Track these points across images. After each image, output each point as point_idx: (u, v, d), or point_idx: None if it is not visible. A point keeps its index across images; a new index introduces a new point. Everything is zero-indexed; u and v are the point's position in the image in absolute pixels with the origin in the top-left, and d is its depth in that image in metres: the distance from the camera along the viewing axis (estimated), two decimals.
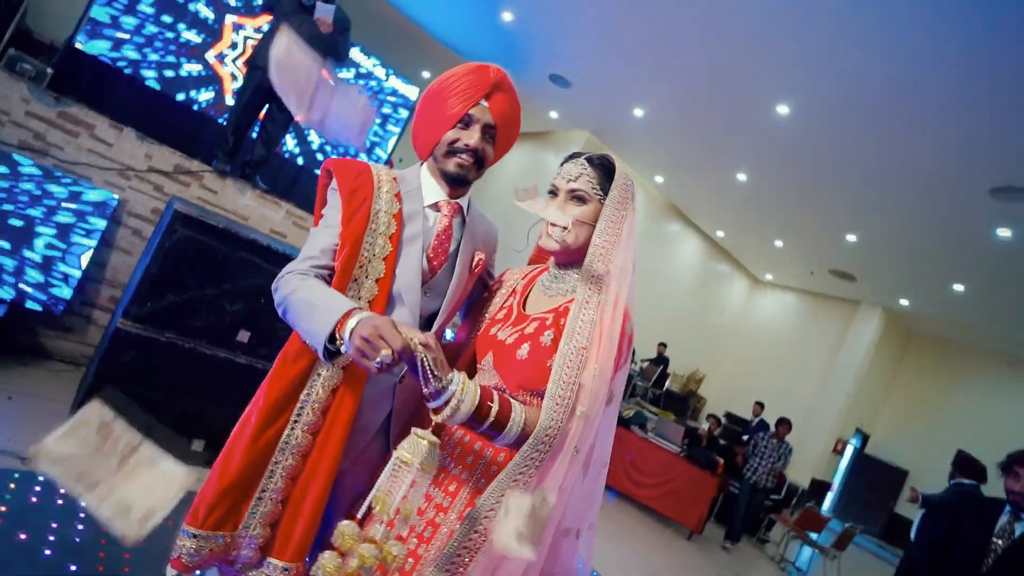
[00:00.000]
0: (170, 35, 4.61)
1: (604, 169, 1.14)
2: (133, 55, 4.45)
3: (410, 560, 0.99)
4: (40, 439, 2.33)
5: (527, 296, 1.22)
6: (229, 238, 2.64)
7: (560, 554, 1.03)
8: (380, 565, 0.85)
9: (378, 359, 0.86)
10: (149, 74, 4.54)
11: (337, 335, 0.95)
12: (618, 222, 1.11)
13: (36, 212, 2.96)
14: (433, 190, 1.24)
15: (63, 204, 3.01)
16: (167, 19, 4.55)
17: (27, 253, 2.93)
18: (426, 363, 0.88)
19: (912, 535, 4.13)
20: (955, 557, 2.37)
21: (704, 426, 7.42)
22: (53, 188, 3.01)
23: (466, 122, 1.19)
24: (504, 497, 0.92)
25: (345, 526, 0.85)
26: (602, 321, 1.03)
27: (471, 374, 1.21)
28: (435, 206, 1.23)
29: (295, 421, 1.08)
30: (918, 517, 3.98)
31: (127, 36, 4.38)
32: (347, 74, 5.53)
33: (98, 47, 4.25)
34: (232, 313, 2.70)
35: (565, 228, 1.11)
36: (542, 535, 0.93)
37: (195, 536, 1.03)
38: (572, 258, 1.15)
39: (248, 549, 1.05)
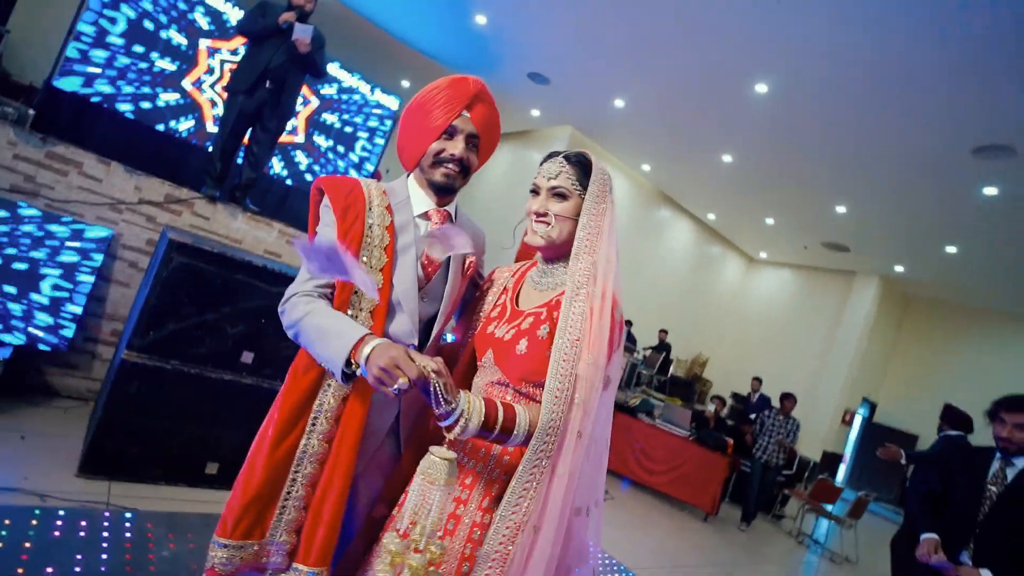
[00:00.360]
0: (143, 65, 4.51)
1: (581, 166, 1.19)
2: (107, 89, 4.35)
3: None
4: (56, 476, 2.37)
5: (519, 292, 1.27)
6: (224, 262, 2.68)
7: (573, 533, 1.08)
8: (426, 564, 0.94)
9: (396, 387, 0.94)
10: (125, 107, 4.44)
11: (352, 360, 1.02)
12: (599, 215, 1.16)
13: (40, 254, 2.95)
14: (421, 200, 1.29)
15: (66, 243, 3.01)
16: (139, 49, 4.46)
17: (34, 296, 2.91)
18: (438, 389, 0.96)
19: (907, 493, 4.21)
20: (951, 508, 2.41)
21: (710, 408, 7.47)
22: (55, 228, 3.01)
23: (450, 133, 1.24)
24: (526, 488, 1.00)
25: (391, 542, 0.93)
26: (592, 312, 1.08)
27: (471, 372, 1.26)
28: (425, 215, 1.28)
29: (310, 430, 1.14)
30: (911, 474, 4.06)
31: (99, 70, 4.29)
32: (329, 89, 5.53)
33: (71, 84, 4.18)
34: (234, 336, 2.73)
35: (549, 224, 1.16)
36: (559, 519, 1.00)
37: (226, 546, 1.08)
38: (558, 252, 1.20)
39: (277, 555, 1.10)
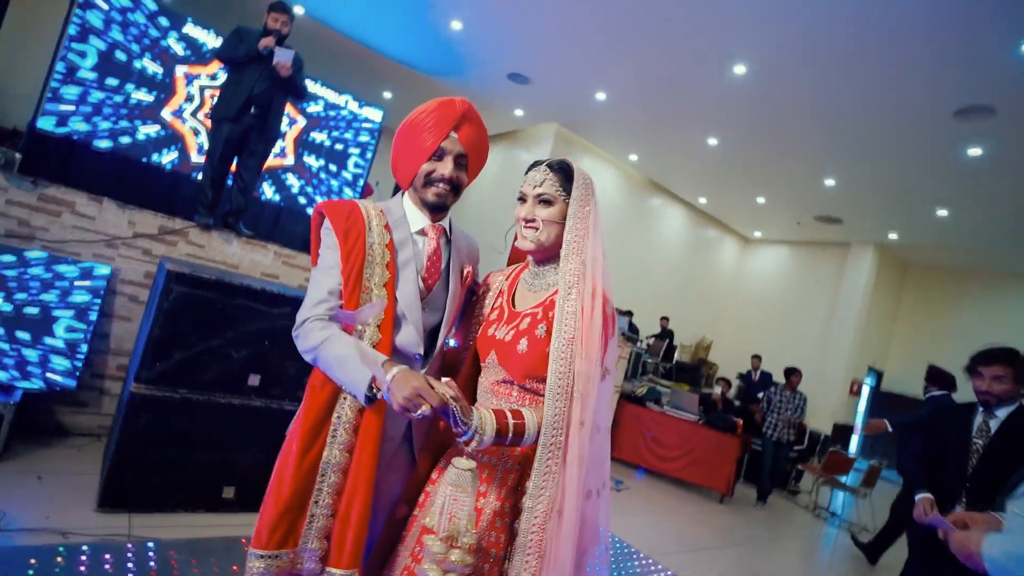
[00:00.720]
0: (118, 98, 4.35)
1: (564, 172, 1.27)
2: (83, 127, 4.20)
3: None
4: (76, 512, 2.39)
5: (514, 294, 1.34)
6: (223, 288, 2.71)
7: (586, 515, 1.16)
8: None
9: (419, 413, 1.04)
10: (104, 144, 4.29)
11: (374, 386, 1.11)
12: (584, 218, 1.23)
13: (50, 296, 2.93)
14: (417, 217, 1.36)
15: (76, 283, 3.00)
16: (112, 82, 4.32)
17: (49, 340, 2.90)
18: (455, 412, 1.05)
19: (898, 458, 4.37)
20: (943, 466, 2.46)
21: (717, 391, 7.50)
22: (63, 269, 2.98)
23: (439, 155, 1.31)
24: (545, 479, 1.10)
25: (433, 544, 1.05)
26: (584, 310, 1.16)
27: (476, 373, 1.34)
28: (421, 232, 1.35)
29: (331, 442, 1.20)
30: (898, 440, 4.22)
31: (72, 107, 4.14)
32: (316, 107, 5.51)
33: (47, 123, 4.09)
34: (239, 360, 2.76)
35: (538, 229, 1.24)
36: (576, 501, 1.09)
37: (262, 556, 1.14)
38: (548, 255, 1.28)
39: (310, 562, 1.17)
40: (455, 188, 1.33)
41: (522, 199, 1.28)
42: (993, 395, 2.36)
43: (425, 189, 1.32)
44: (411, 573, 1.16)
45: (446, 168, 1.31)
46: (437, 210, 1.36)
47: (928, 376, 4.54)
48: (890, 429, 4.25)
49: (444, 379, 1.08)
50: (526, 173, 1.30)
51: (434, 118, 1.30)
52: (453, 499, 1.06)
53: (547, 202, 1.25)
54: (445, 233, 1.40)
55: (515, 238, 1.31)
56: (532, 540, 1.10)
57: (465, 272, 1.41)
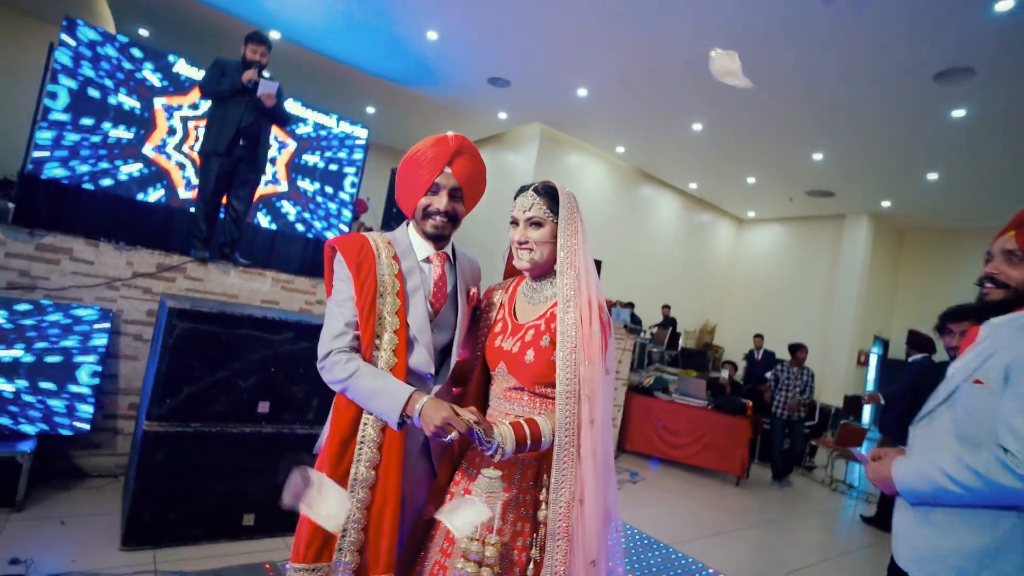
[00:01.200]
0: (96, 138, 4.14)
1: (550, 195, 1.38)
2: (60, 172, 3.99)
3: None
4: (101, 553, 2.43)
5: (514, 306, 1.45)
6: (226, 320, 2.75)
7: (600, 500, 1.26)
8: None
9: (448, 439, 1.16)
10: (86, 188, 4.11)
11: (404, 414, 1.22)
12: (573, 234, 1.35)
13: (71, 342, 2.92)
14: (422, 246, 1.46)
15: (95, 326, 3.00)
16: (87, 122, 4.10)
17: (72, 388, 2.90)
18: (479, 434, 1.18)
19: (881, 423, 4.59)
20: None
21: (724, 375, 7.53)
22: (82, 312, 2.97)
23: (435, 189, 1.40)
24: (564, 474, 1.22)
25: (468, 545, 1.17)
26: (582, 320, 1.27)
27: (485, 383, 1.46)
28: (427, 259, 1.45)
29: (357, 459, 1.28)
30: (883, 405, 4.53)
31: (47, 153, 3.95)
32: (306, 128, 5.46)
33: (33, 171, 3.96)
34: (247, 389, 2.80)
35: (531, 250, 1.35)
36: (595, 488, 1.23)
37: (300, 570, 1.22)
38: (543, 270, 1.40)
39: (344, 575, 1.24)
40: (452, 219, 1.42)
41: (514, 223, 1.39)
42: None
43: (424, 221, 1.42)
44: (442, 567, 1.27)
45: (441, 202, 1.40)
46: (437, 240, 1.44)
47: (909, 341, 4.67)
48: (882, 401, 4.42)
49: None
50: (515, 199, 1.40)
51: (429, 155, 1.39)
52: (485, 503, 1.20)
53: (537, 224, 1.36)
54: (449, 259, 1.49)
55: (510, 257, 1.42)
56: (560, 527, 1.22)
57: (471, 293, 1.50)
